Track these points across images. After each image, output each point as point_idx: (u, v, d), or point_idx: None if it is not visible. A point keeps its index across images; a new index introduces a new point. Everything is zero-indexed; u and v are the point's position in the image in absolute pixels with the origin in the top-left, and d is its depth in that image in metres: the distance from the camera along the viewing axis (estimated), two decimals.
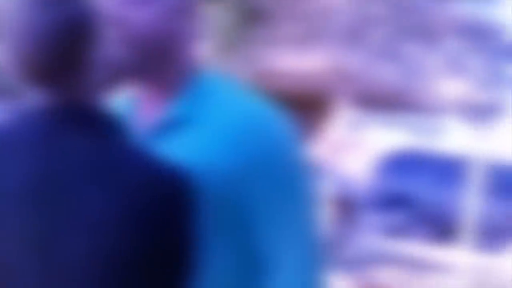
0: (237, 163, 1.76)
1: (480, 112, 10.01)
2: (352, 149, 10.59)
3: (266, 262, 1.81)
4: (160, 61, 1.84)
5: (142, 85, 1.89)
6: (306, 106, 9.13)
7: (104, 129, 1.62)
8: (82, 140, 1.59)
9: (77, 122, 1.60)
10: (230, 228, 1.79)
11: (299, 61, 8.33)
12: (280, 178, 1.77)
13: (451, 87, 9.42)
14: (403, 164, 11.31)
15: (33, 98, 1.65)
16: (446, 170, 11.00)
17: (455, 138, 10.65)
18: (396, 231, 10.84)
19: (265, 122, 1.78)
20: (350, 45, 8.29)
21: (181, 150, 1.79)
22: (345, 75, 8.31)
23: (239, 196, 1.76)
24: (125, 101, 1.98)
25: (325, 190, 10.27)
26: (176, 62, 1.86)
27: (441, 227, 10.71)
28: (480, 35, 9.96)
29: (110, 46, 1.66)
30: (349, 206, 10.80)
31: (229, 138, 1.77)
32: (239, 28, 8.35)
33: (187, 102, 1.84)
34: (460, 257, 9.72)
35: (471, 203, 10.01)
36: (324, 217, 9.80)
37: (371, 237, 10.67)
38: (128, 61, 1.80)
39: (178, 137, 1.82)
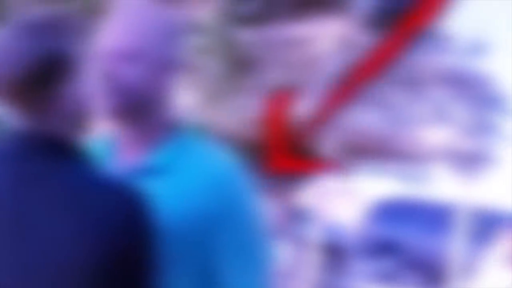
0: (204, 212, 1.96)
1: (465, 160, 10.11)
2: (341, 197, 10.69)
3: None
4: (143, 112, 2.02)
5: (125, 130, 2.06)
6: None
7: (70, 156, 1.78)
8: (49, 165, 1.75)
9: (46, 148, 1.76)
10: (189, 264, 1.96)
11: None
12: (240, 230, 1.99)
13: (437, 135, 9.54)
14: (392, 212, 11.39)
15: (10, 125, 1.81)
16: (433, 217, 11.07)
17: (441, 186, 10.76)
18: (385, 278, 10.89)
19: (231, 180, 2.00)
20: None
21: (155, 195, 1.97)
22: (331, 123, 8.44)
23: (202, 239, 1.96)
24: (104, 140, 2.16)
25: (315, 236, 10.33)
26: (158, 114, 2.05)
27: (429, 274, 10.75)
28: (465, 85, 10.12)
29: (87, 85, 1.81)
30: (338, 253, 10.85)
31: (199, 191, 1.97)
32: (228, 78, 8.51)
33: (165, 153, 2.02)
34: None
35: (458, 250, 10.08)
36: (313, 262, 9.89)
37: (360, 283, 10.72)
38: (112, 106, 1.98)
39: (153, 183, 2.00)
